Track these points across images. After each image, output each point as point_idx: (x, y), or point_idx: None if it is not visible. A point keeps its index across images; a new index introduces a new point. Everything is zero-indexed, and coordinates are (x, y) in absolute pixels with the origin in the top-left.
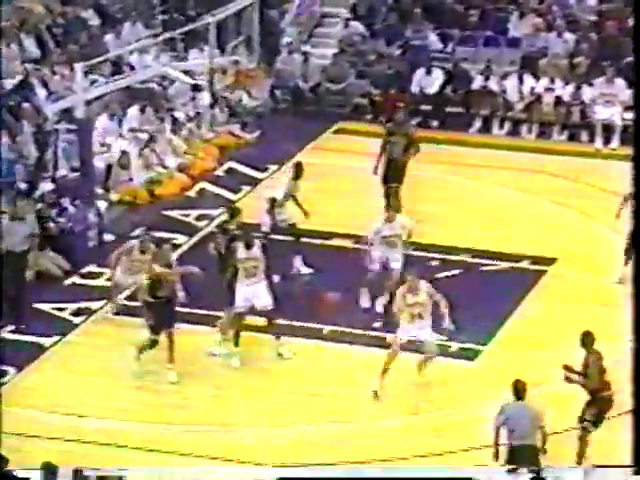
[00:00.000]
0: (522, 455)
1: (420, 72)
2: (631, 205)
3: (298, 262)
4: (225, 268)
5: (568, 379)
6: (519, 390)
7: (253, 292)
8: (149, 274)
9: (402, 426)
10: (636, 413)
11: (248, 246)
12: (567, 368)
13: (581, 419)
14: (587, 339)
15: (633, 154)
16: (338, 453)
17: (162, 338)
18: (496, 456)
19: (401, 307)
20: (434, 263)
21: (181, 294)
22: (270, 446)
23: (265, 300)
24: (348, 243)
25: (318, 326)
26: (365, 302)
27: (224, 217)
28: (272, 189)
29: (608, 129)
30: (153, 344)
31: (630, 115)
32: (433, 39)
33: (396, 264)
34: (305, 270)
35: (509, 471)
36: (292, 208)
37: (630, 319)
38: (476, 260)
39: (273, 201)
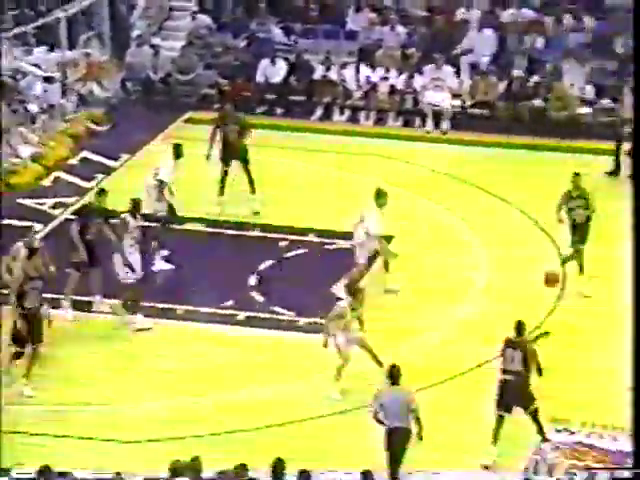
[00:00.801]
0: (396, 437)
1: (265, 63)
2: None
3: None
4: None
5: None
6: (394, 375)
7: (137, 260)
8: (18, 283)
9: (253, 400)
10: (636, 412)
11: (134, 216)
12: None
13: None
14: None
15: (632, 150)
16: (190, 427)
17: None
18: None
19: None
20: (282, 244)
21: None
22: (126, 422)
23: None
24: (200, 227)
25: (172, 306)
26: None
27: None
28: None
29: (438, 115)
30: (18, 356)
31: (457, 102)
32: (277, 32)
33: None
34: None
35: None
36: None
37: (630, 318)
38: (321, 240)
39: (161, 183)
